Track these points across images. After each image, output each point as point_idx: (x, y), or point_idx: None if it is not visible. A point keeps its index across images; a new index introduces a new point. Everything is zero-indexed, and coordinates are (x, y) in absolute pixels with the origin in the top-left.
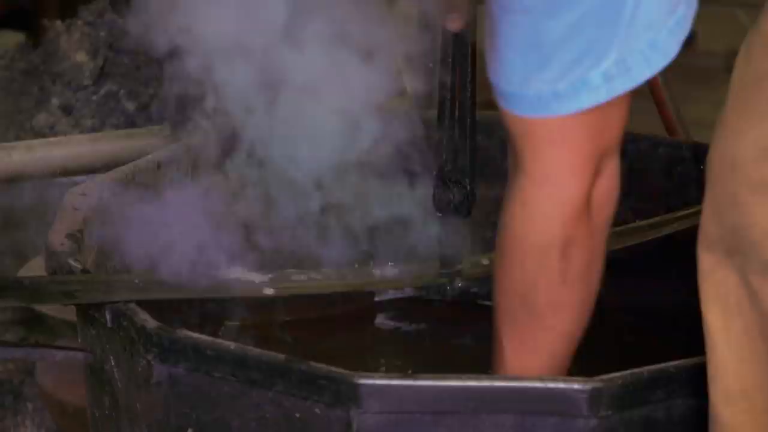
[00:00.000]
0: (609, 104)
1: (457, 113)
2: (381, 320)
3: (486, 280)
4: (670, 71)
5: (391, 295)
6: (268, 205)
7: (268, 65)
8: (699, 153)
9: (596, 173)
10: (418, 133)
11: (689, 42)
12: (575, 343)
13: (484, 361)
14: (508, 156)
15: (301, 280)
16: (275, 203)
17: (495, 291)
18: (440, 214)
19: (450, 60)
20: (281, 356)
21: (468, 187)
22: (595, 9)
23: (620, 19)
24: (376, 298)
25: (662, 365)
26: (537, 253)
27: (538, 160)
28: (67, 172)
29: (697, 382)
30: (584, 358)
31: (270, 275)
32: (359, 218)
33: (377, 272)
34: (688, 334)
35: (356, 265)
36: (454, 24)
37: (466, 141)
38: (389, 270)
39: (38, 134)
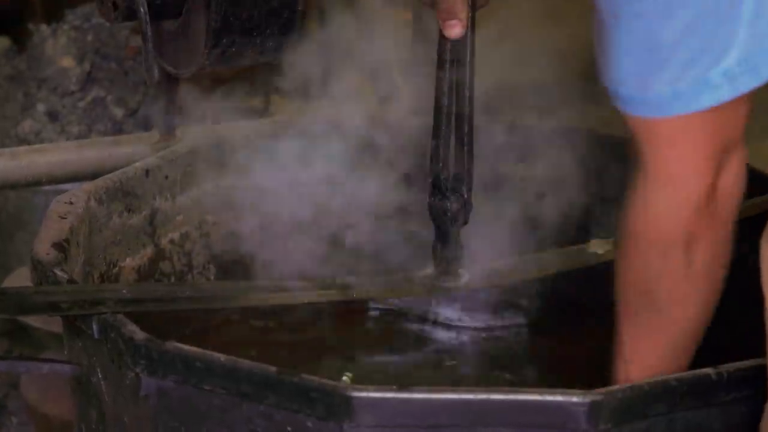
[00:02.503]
0: (731, 100)
1: (453, 120)
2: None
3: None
4: None
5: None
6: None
7: None
8: None
9: (719, 168)
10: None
11: None
12: (697, 337)
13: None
14: (629, 155)
15: (286, 292)
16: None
17: (617, 285)
18: (436, 223)
19: (447, 66)
20: (272, 368)
21: (465, 196)
22: (709, 8)
23: (739, 16)
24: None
25: (663, 378)
26: (660, 251)
27: (660, 159)
28: (53, 179)
29: (699, 394)
30: (586, 370)
31: (256, 285)
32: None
33: (358, 284)
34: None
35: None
36: (453, 30)
37: (463, 148)
38: (376, 282)
39: (23, 141)
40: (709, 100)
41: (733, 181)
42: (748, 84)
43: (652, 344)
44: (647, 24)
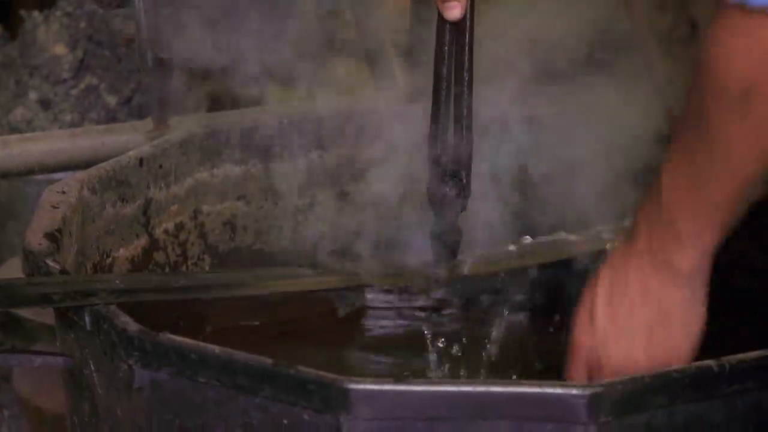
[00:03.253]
0: None
1: (452, 104)
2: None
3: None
4: None
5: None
6: None
7: None
8: None
9: None
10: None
11: None
12: (744, 191)
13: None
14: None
15: (285, 279)
16: None
17: (680, 121)
18: (435, 210)
19: (446, 50)
20: (268, 360)
21: (464, 181)
22: None
23: None
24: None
25: (664, 370)
26: (717, 93)
27: (743, 17)
28: (45, 168)
29: (700, 387)
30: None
31: (252, 273)
32: None
33: (362, 270)
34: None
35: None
36: (452, 12)
37: (462, 133)
38: (374, 268)
39: (15, 129)
40: None
41: None
42: None
43: (697, 170)
44: None
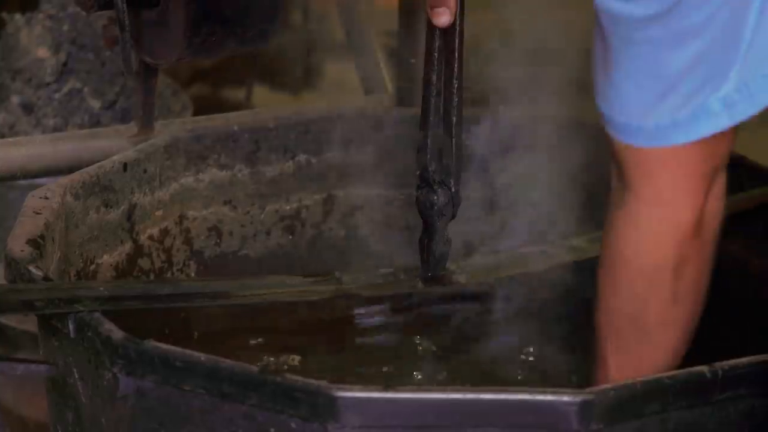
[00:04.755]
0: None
1: (442, 111)
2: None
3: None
4: None
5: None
6: None
7: None
8: None
9: (708, 191)
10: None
11: None
12: (680, 358)
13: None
14: (611, 173)
15: (272, 288)
16: None
17: (599, 309)
18: (424, 217)
19: (435, 55)
20: (255, 368)
21: (453, 189)
22: (718, 37)
23: (740, 44)
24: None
25: (656, 376)
26: (649, 274)
27: (652, 183)
28: (27, 174)
29: (693, 393)
30: (577, 369)
31: (239, 282)
32: None
33: (350, 279)
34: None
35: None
36: (441, 18)
37: (451, 140)
38: (363, 278)
39: None
40: (707, 128)
41: (718, 203)
42: (745, 112)
43: (636, 366)
44: (655, 52)
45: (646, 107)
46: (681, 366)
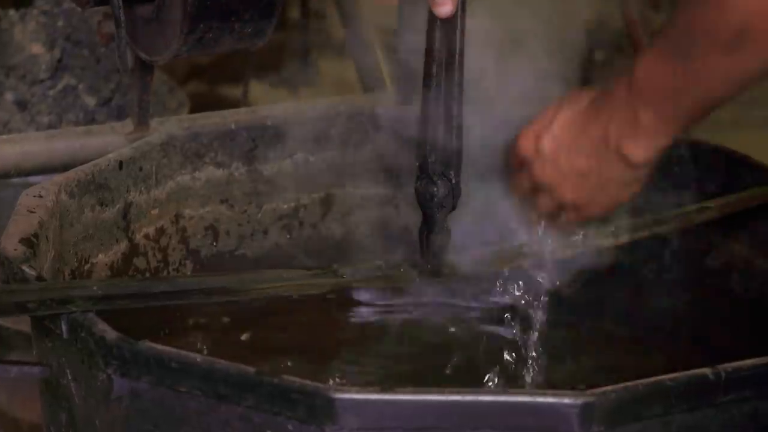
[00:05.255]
0: None
1: (442, 103)
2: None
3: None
4: None
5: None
6: None
7: None
8: (698, 152)
9: None
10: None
11: None
12: (717, 102)
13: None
14: None
15: (270, 283)
16: None
17: (669, 20)
18: (423, 209)
19: (436, 48)
20: (251, 369)
21: (453, 180)
22: None
23: None
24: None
25: (658, 378)
26: (709, 24)
27: None
28: (21, 171)
29: (696, 395)
30: (577, 372)
31: (236, 278)
32: None
33: (349, 273)
34: (686, 349)
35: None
36: (442, 9)
37: (451, 132)
38: (360, 270)
39: None
40: None
41: None
42: None
43: (672, 69)
44: None
45: None
46: (683, 369)
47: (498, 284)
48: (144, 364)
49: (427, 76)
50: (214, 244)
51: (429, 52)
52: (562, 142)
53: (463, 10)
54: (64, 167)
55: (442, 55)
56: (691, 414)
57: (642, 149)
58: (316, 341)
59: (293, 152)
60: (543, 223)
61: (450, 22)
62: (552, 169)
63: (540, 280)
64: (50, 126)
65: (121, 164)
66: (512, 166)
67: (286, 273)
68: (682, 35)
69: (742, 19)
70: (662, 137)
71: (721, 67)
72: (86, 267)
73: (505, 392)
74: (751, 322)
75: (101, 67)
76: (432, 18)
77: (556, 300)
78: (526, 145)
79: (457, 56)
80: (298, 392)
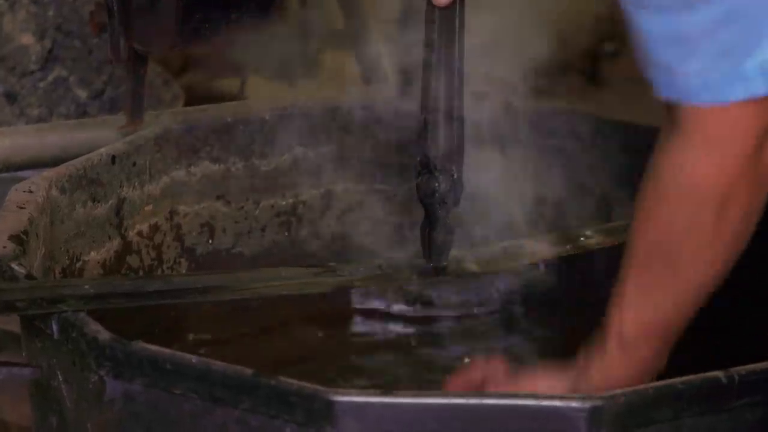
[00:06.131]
0: None
1: (443, 96)
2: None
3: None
4: None
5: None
6: None
7: None
8: None
9: (764, 141)
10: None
11: None
12: (704, 300)
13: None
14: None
15: (267, 282)
16: None
17: (632, 237)
18: (425, 206)
19: (435, 38)
20: (248, 370)
21: (455, 175)
22: (737, 4)
23: None
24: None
25: (669, 381)
26: (692, 209)
27: (699, 126)
28: (11, 166)
29: (707, 399)
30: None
31: (232, 276)
32: None
33: (348, 272)
34: (697, 351)
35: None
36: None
37: (452, 124)
38: (363, 269)
39: None
40: (742, 92)
41: None
42: None
43: (656, 300)
44: (670, 17)
45: (673, 68)
46: (695, 371)
47: (499, 284)
48: (137, 366)
49: (427, 67)
50: (210, 241)
51: (428, 41)
52: None
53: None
54: (55, 162)
55: (441, 46)
56: (703, 418)
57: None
58: (315, 343)
59: (292, 147)
60: None
61: (449, 11)
62: None
63: (542, 279)
64: (40, 119)
65: (113, 159)
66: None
67: (284, 271)
68: (653, 228)
69: (719, 187)
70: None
71: (706, 250)
72: (78, 265)
73: (510, 395)
74: (765, 322)
75: (93, 58)
76: (430, 8)
77: (561, 300)
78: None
79: (456, 46)
80: (296, 395)
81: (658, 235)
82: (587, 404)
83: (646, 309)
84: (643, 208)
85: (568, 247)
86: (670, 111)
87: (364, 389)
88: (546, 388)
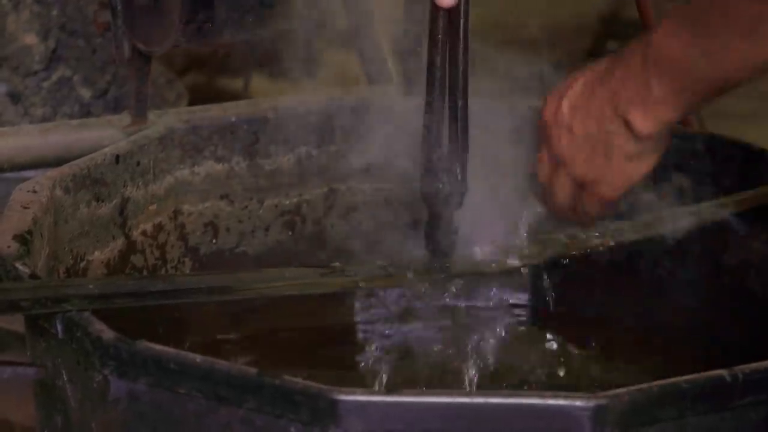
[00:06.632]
0: None
1: (447, 95)
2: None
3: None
4: None
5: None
6: None
7: None
8: (714, 146)
9: None
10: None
11: None
12: (742, 74)
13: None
14: None
15: (272, 283)
16: None
17: None
18: (429, 206)
19: (439, 38)
20: (253, 370)
21: (459, 176)
22: None
23: None
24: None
25: (673, 380)
26: None
27: None
28: (15, 166)
29: (712, 398)
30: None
31: (236, 276)
32: None
33: (353, 272)
34: (702, 349)
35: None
36: (445, 0)
37: (457, 125)
38: (365, 269)
39: None
40: None
41: None
42: None
43: (697, 33)
44: None
45: None
46: (701, 369)
47: (505, 283)
48: (142, 365)
49: (431, 67)
50: (214, 241)
51: (432, 42)
52: (577, 104)
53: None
54: (59, 161)
55: (445, 46)
56: (707, 417)
57: (647, 120)
58: (319, 343)
59: (295, 146)
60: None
61: (453, 12)
62: (567, 138)
63: (548, 278)
64: (44, 119)
65: (117, 158)
66: (539, 138)
67: (288, 272)
68: (701, 13)
69: (761, 7)
70: (670, 110)
71: (738, 51)
72: (82, 265)
73: (514, 394)
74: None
75: (97, 57)
76: (435, 7)
77: (567, 299)
78: (548, 111)
79: (461, 47)
80: (301, 394)
81: (704, 3)
82: (591, 403)
83: (678, 44)
84: None
85: (570, 246)
86: None
87: (368, 388)
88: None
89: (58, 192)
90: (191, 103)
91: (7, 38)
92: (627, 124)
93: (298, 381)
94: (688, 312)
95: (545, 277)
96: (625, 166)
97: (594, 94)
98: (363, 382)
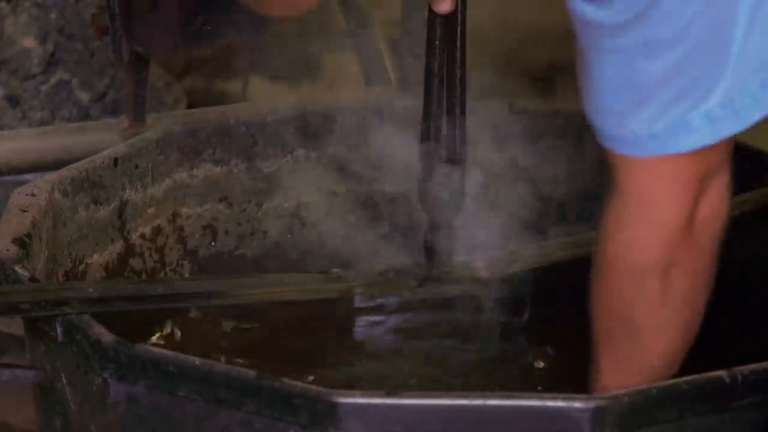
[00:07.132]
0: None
1: (445, 101)
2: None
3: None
4: None
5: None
6: None
7: None
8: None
9: (699, 195)
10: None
11: None
12: (677, 363)
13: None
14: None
15: (270, 288)
16: None
17: (593, 311)
18: (427, 211)
19: (437, 44)
20: (252, 373)
21: (458, 181)
22: (697, 49)
23: (727, 58)
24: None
25: (672, 381)
26: (635, 276)
27: (636, 185)
28: (13, 169)
29: (711, 399)
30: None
31: (235, 281)
32: None
33: (351, 277)
34: (703, 349)
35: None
36: (442, 5)
37: (455, 131)
38: (363, 274)
39: None
40: (687, 143)
41: (713, 207)
42: (729, 128)
43: (630, 374)
44: (627, 61)
45: (623, 116)
46: (701, 370)
47: (503, 288)
48: (141, 368)
49: (429, 72)
50: (213, 243)
51: (430, 47)
52: None
53: (464, 3)
54: (58, 165)
55: (443, 51)
56: (706, 418)
57: None
58: (318, 345)
59: (294, 149)
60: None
61: (450, 16)
62: None
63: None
64: (43, 122)
65: (116, 161)
66: None
67: (287, 277)
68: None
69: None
70: None
71: (658, 316)
72: (80, 268)
73: (513, 396)
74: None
75: (95, 61)
76: (432, 13)
77: (563, 302)
78: None
79: (458, 52)
80: (300, 397)
81: (612, 306)
82: (591, 404)
83: (622, 377)
84: (596, 278)
85: (570, 250)
86: (612, 174)
87: (367, 391)
88: None
89: (57, 195)
90: (189, 106)
91: (5, 41)
92: None
93: (297, 384)
94: None
95: (542, 280)
96: None
97: None
98: (362, 385)
